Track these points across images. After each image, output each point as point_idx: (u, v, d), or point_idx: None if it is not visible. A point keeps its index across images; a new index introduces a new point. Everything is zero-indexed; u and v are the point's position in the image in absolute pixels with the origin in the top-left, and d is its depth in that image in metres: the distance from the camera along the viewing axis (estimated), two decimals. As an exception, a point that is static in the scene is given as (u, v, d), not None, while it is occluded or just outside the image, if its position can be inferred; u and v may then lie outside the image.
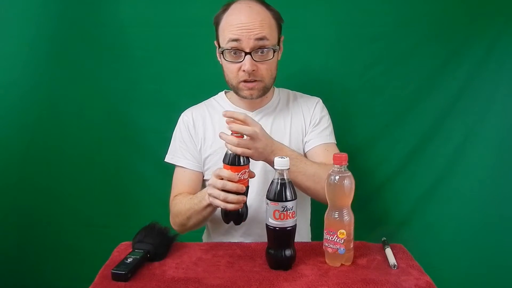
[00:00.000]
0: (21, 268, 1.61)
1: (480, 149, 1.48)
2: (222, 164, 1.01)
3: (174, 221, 1.22)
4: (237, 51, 1.13)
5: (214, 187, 1.00)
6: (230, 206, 1.00)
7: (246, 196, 1.02)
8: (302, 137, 1.27)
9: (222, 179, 0.99)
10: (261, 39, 1.11)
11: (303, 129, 1.27)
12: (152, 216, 1.10)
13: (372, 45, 1.47)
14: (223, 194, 0.99)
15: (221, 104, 1.30)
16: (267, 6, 1.17)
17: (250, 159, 1.03)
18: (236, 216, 1.04)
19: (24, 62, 1.50)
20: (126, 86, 1.53)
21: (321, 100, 1.32)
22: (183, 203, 1.19)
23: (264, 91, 1.19)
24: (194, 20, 1.47)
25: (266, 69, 1.15)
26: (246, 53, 1.11)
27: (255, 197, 1.19)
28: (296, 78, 1.30)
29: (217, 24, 1.18)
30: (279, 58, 1.22)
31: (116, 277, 0.91)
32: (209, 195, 1.03)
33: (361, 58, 1.49)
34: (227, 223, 1.07)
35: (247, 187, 1.02)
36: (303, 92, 1.35)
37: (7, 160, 1.55)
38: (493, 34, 1.43)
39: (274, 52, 1.14)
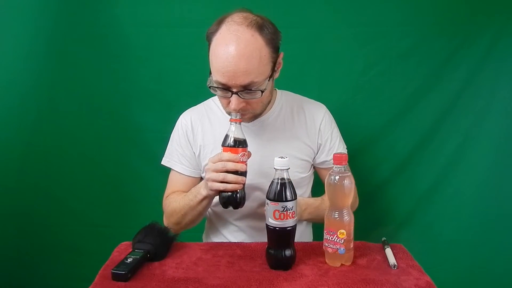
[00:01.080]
0: (21, 268, 1.61)
1: (480, 149, 1.48)
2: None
3: (169, 221, 1.21)
4: (224, 89, 1.06)
5: (214, 170, 1.01)
6: (230, 186, 1.01)
7: (245, 175, 1.04)
8: (307, 149, 1.24)
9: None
10: (247, 85, 1.04)
11: (308, 142, 1.24)
12: (152, 216, 1.10)
13: (372, 45, 1.47)
14: (222, 175, 1.00)
15: (220, 108, 1.25)
16: (260, 31, 1.04)
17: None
18: (235, 199, 1.04)
19: (24, 62, 1.51)
20: (126, 86, 1.53)
21: (327, 111, 1.28)
22: (177, 201, 1.18)
23: (256, 117, 1.16)
24: (194, 20, 1.47)
25: (256, 103, 1.10)
26: (233, 92, 1.05)
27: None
28: (296, 78, 1.30)
29: (209, 42, 1.09)
30: (276, 77, 1.15)
31: (116, 277, 0.91)
32: (208, 179, 1.03)
33: (361, 58, 1.49)
34: (226, 207, 1.06)
35: (245, 171, 1.04)
36: (303, 93, 1.34)
37: (7, 160, 1.55)
38: (493, 34, 1.43)
39: (262, 91, 1.06)
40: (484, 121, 1.47)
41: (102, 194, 1.58)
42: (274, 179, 0.94)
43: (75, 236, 1.59)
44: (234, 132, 1.04)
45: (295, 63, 1.41)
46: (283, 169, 0.93)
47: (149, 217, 1.08)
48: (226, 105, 1.11)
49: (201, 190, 1.10)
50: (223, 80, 1.04)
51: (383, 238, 1.08)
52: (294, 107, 1.26)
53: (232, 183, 1.01)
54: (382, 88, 1.50)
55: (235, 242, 1.13)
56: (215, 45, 1.05)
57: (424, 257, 1.03)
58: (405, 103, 1.50)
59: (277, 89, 1.27)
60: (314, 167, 1.29)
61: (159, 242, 1.01)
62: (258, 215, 1.17)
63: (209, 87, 1.08)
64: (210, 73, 1.08)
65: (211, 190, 1.06)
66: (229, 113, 1.10)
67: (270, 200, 0.93)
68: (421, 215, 1.53)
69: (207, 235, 1.35)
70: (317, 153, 1.26)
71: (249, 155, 1.06)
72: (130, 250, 0.99)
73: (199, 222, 1.22)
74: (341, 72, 1.50)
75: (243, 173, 1.03)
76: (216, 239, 1.29)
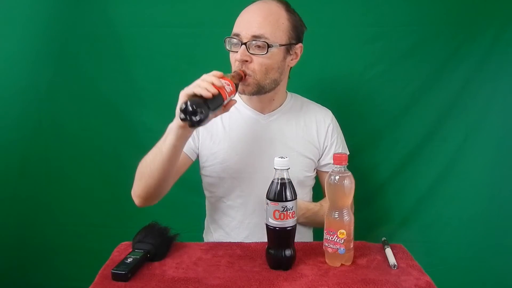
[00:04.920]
0: (21, 268, 1.61)
1: (480, 149, 1.48)
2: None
3: (137, 188, 1.16)
4: (237, 40, 1.14)
5: (195, 84, 1.00)
6: (197, 90, 0.96)
7: (217, 103, 0.99)
8: (313, 149, 1.26)
9: None
10: (258, 36, 1.11)
11: (315, 142, 1.27)
12: (152, 216, 1.10)
13: (372, 45, 1.47)
14: (198, 81, 0.99)
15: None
16: (288, 9, 1.17)
17: None
18: (192, 109, 0.93)
19: (24, 62, 1.51)
20: (126, 86, 1.53)
21: (333, 116, 1.32)
22: (146, 157, 1.15)
23: (258, 88, 1.16)
24: (194, 20, 1.47)
25: (260, 64, 1.13)
26: (242, 43, 1.12)
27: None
28: (296, 78, 1.30)
29: None
30: (291, 65, 1.22)
31: (116, 277, 0.91)
32: (184, 91, 1.00)
33: (361, 58, 1.49)
34: (184, 118, 0.95)
35: (220, 95, 0.99)
36: (303, 93, 1.35)
37: (7, 160, 1.55)
38: (493, 34, 1.43)
39: (269, 47, 1.11)
40: (484, 121, 1.47)
41: (102, 194, 1.58)
42: (274, 179, 0.94)
43: (75, 236, 1.59)
44: (237, 71, 1.11)
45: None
46: (283, 169, 0.93)
47: (149, 217, 1.08)
48: (233, 62, 1.17)
49: (170, 125, 1.07)
50: (238, 29, 1.13)
51: (383, 238, 1.08)
52: (303, 108, 1.30)
53: (202, 88, 0.96)
54: (382, 88, 1.49)
55: (235, 242, 1.12)
56: (245, 8, 1.17)
57: (424, 257, 1.03)
58: (405, 103, 1.50)
59: (287, 91, 1.30)
60: (316, 171, 1.30)
61: (159, 242, 1.01)
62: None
63: (225, 40, 1.16)
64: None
65: (180, 100, 0.99)
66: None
67: (270, 200, 0.93)
68: (421, 215, 1.53)
69: (209, 233, 1.34)
70: (321, 155, 1.28)
71: (234, 92, 1.06)
72: (130, 250, 0.99)
73: (167, 188, 1.16)
74: (341, 72, 1.50)
75: (219, 99, 0.99)
76: (218, 235, 1.29)
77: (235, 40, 1.14)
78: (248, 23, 1.13)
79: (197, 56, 1.48)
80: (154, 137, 1.50)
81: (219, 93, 0.99)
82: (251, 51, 1.12)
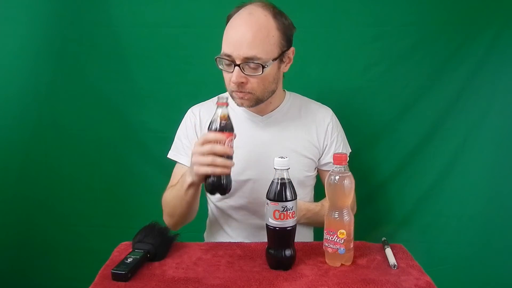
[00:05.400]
0: (21, 268, 1.61)
1: (480, 149, 1.48)
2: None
3: (165, 218, 1.21)
4: (229, 61, 1.10)
5: (201, 153, 0.98)
6: (219, 170, 0.98)
7: (231, 158, 1.01)
8: (313, 148, 1.26)
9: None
10: (250, 58, 1.08)
11: (315, 142, 1.26)
12: (152, 216, 1.10)
13: (372, 45, 1.47)
14: (211, 158, 0.97)
15: (230, 104, 1.28)
16: (275, 15, 1.11)
17: None
18: (222, 184, 1.00)
19: (24, 62, 1.51)
20: (126, 86, 1.53)
21: (334, 114, 1.31)
22: (168, 193, 1.18)
23: (257, 102, 1.16)
24: (194, 20, 1.47)
25: (257, 83, 1.12)
26: (235, 65, 1.09)
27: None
28: (296, 78, 1.30)
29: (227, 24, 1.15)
30: (285, 70, 1.20)
31: (116, 277, 0.91)
32: (194, 163, 1.00)
33: (361, 58, 1.49)
34: (213, 194, 1.03)
35: (232, 155, 1.01)
36: (303, 92, 1.35)
37: (7, 160, 1.55)
38: (493, 34, 1.43)
39: (263, 67, 1.09)
40: (484, 121, 1.47)
41: (102, 194, 1.58)
42: (274, 179, 0.94)
43: (75, 236, 1.59)
44: (221, 115, 0.99)
45: (295, 63, 1.40)
46: (283, 169, 0.93)
47: (149, 217, 1.08)
48: (228, 82, 1.14)
49: (186, 178, 1.07)
50: (228, 50, 1.08)
51: (383, 238, 1.08)
52: (302, 107, 1.29)
53: (220, 167, 0.98)
54: (382, 88, 1.50)
55: (235, 242, 1.12)
56: (230, 22, 1.12)
57: (424, 257, 1.03)
58: (405, 103, 1.50)
59: (285, 90, 1.29)
60: (317, 170, 1.30)
61: (159, 242, 1.01)
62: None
63: (216, 59, 1.12)
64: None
65: (197, 175, 1.02)
66: (230, 94, 1.15)
67: (270, 200, 0.93)
68: (421, 215, 1.53)
69: (210, 233, 1.35)
70: (322, 155, 1.28)
71: (235, 136, 1.02)
72: (130, 250, 0.99)
73: (194, 216, 1.20)
74: (341, 72, 1.50)
75: (230, 158, 1.00)
76: (219, 236, 1.29)
77: (227, 60, 1.10)
78: (238, 43, 1.07)
79: (197, 56, 1.48)
80: (154, 137, 1.52)
81: (232, 155, 1.01)
82: (246, 72, 1.09)
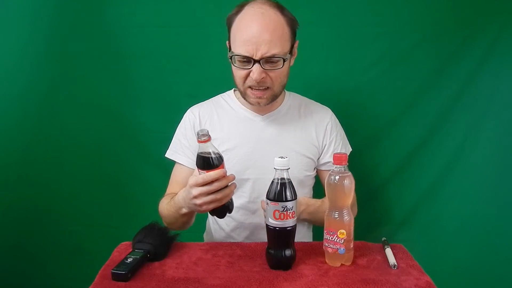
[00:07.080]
0: (21, 268, 1.61)
1: (480, 148, 1.48)
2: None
3: (163, 222, 1.22)
4: (247, 58, 1.11)
5: (202, 194, 0.97)
6: (225, 201, 1.00)
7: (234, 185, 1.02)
8: (312, 148, 1.26)
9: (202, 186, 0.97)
10: (271, 57, 1.09)
11: (314, 141, 1.27)
12: (152, 216, 1.10)
13: (372, 45, 1.47)
14: (211, 197, 0.97)
15: (229, 103, 1.29)
16: (282, 11, 1.13)
17: None
18: (228, 207, 1.03)
19: (23, 61, 1.50)
20: (126, 86, 1.53)
21: (333, 114, 1.32)
22: (164, 207, 1.18)
23: (273, 98, 1.18)
24: (194, 20, 1.47)
25: (276, 77, 1.14)
26: (255, 61, 1.10)
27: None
28: (296, 78, 1.29)
29: (229, 25, 1.15)
30: (291, 64, 1.21)
31: (116, 277, 0.91)
32: (196, 205, 0.99)
33: (361, 58, 1.49)
34: (222, 217, 1.05)
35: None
36: (303, 92, 1.35)
37: (7, 160, 1.55)
38: (493, 34, 1.43)
39: (284, 61, 1.12)
40: (484, 121, 1.47)
41: (102, 194, 1.58)
42: (274, 179, 0.94)
43: (75, 236, 1.59)
44: (210, 151, 0.97)
45: (295, 63, 1.41)
46: (283, 169, 0.93)
47: (149, 217, 1.09)
48: (243, 80, 1.15)
49: (183, 209, 1.07)
50: (247, 52, 1.09)
51: (383, 238, 1.08)
52: (301, 107, 1.30)
53: (223, 199, 0.99)
54: (382, 88, 1.49)
55: (235, 242, 1.13)
56: (240, 20, 1.11)
57: (424, 257, 1.03)
58: (405, 103, 1.50)
59: (285, 90, 1.29)
60: (316, 170, 1.30)
61: (159, 242, 1.01)
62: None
63: (230, 57, 1.13)
64: (229, 49, 1.15)
65: (202, 211, 1.02)
66: (243, 91, 1.17)
67: (270, 200, 0.93)
68: (421, 215, 1.53)
69: (210, 233, 1.35)
70: (321, 154, 1.28)
71: (223, 164, 1.00)
72: (130, 250, 1.00)
73: (192, 223, 1.21)
74: (341, 72, 1.50)
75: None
76: (219, 235, 1.29)
77: (242, 58, 1.11)
78: (257, 44, 1.08)
79: (197, 56, 1.48)
80: (154, 137, 1.51)
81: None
82: (265, 67, 1.11)
